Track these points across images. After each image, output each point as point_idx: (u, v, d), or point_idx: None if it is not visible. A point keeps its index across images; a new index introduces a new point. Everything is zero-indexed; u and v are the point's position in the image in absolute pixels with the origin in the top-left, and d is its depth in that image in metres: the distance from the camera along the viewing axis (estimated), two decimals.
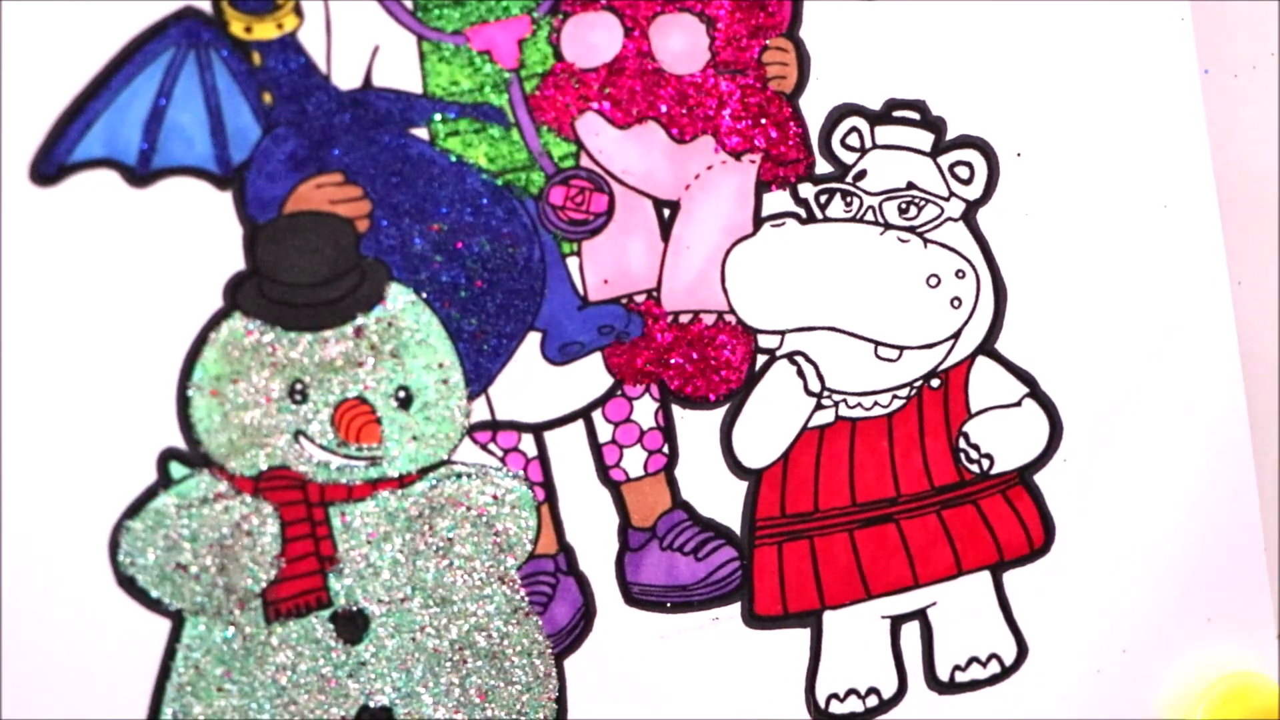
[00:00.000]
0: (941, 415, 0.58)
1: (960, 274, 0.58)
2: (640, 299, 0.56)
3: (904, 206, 0.58)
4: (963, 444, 0.58)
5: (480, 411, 0.55)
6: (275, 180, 0.53)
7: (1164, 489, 0.60)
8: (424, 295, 0.54)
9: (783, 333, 0.57)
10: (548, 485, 0.56)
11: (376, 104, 0.53)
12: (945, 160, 0.58)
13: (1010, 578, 0.59)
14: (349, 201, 0.53)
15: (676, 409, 0.57)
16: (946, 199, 0.58)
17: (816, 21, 0.56)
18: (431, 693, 0.55)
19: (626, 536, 0.57)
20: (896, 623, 0.59)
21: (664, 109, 0.56)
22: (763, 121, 0.56)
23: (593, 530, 0.56)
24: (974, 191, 0.58)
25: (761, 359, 0.57)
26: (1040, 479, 0.59)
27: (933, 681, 0.59)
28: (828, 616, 0.58)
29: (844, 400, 0.58)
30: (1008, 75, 0.58)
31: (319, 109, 0.53)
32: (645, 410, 0.56)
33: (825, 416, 0.58)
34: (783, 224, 0.57)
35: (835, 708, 0.58)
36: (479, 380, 0.55)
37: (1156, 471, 0.60)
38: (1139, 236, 0.59)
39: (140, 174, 0.52)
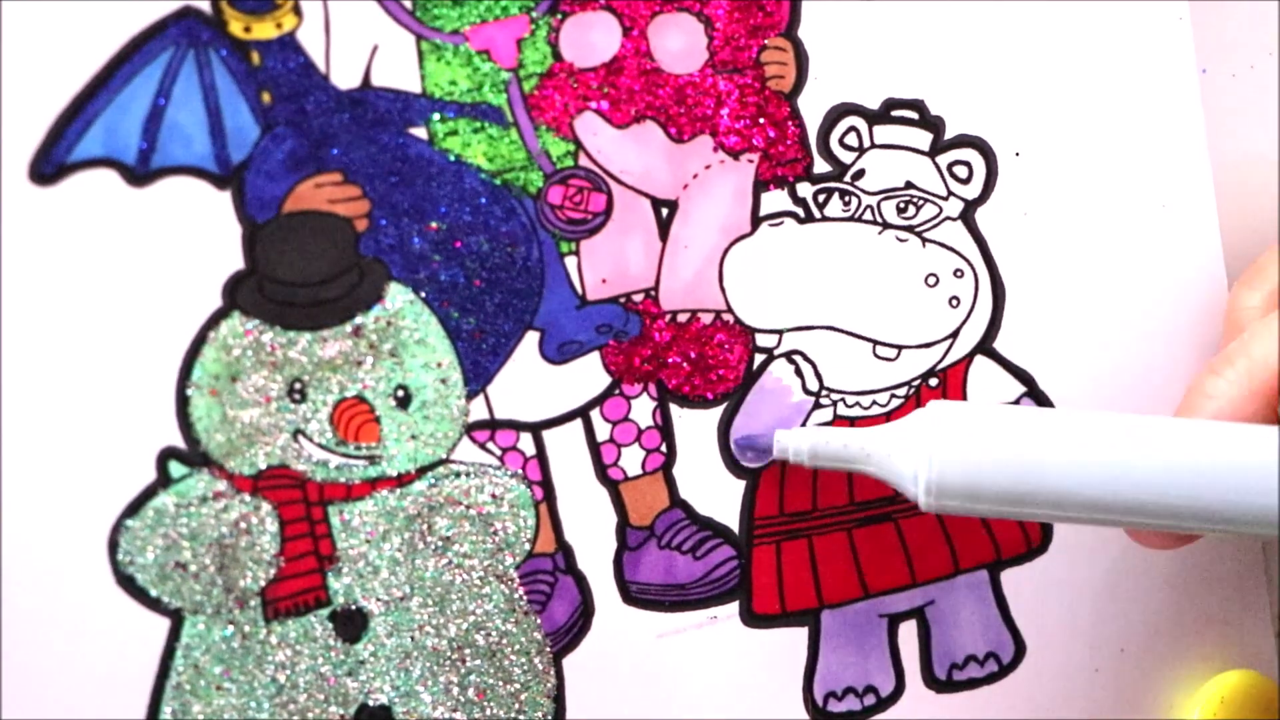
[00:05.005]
0: None
1: (959, 273, 0.58)
2: (638, 298, 0.56)
3: (902, 206, 0.58)
4: None
5: (479, 410, 0.55)
6: (274, 179, 0.53)
7: None
8: (423, 294, 0.54)
9: (781, 332, 0.57)
10: (546, 484, 0.56)
11: (375, 103, 0.53)
12: (944, 159, 0.58)
13: (1008, 576, 0.59)
14: (348, 201, 0.53)
15: (674, 408, 0.57)
16: (945, 198, 0.58)
17: (815, 21, 0.56)
18: (430, 691, 0.55)
19: (625, 535, 0.57)
20: (894, 621, 0.59)
21: (662, 108, 0.56)
22: (761, 121, 0.56)
23: (591, 529, 0.56)
24: (972, 191, 0.58)
25: (759, 358, 0.57)
26: None
27: (930, 680, 0.59)
28: (825, 615, 0.58)
29: (842, 399, 0.58)
30: (1006, 75, 0.58)
31: (318, 108, 0.53)
32: (643, 409, 0.56)
33: (823, 416, 0.58)
34: (781, 223, 0.57)
35: (833, 706, 0.58)
36: (478, 379, 0.55)
37: None
38: (1137, 236, 0.59)
39: (139, 173, 0.52)
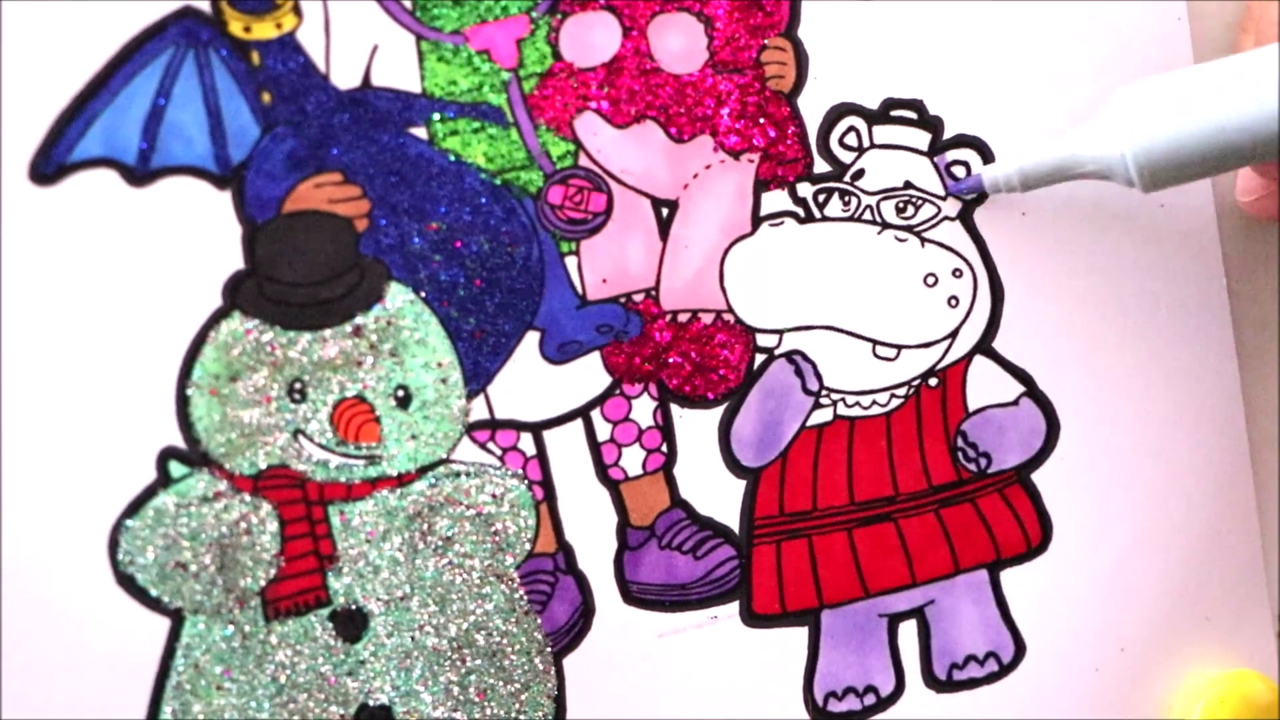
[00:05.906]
0: (939, 414, 0.58)
1: (957, 273, 0.58)
2: (639, 298, 0.56)
3: (901, 206, 0.58)
4: (960, 443, 0.59)
5: (479, 410, 0.55)
6: (274, 179, 0.53)
7: (1161, 487, 0.60)
8: (423, 294, 0.54)
9: (781, 331, 0.57)
10: (546, 484, 0.56)
11: (375, 103, 0.53)
12: (943, 159, 0.58)
13: (1008, 576, 0.59)
14: (348, 201, 0.53)
15: (675, 408, 0.57)
16: (944, 198, 0.58)
17: (815, 21, 0.56)
18: (430, 691, 0.55)
19: (625, 535, 0.57)
20: (894, 621, 0.59)
21: (663, 108, 0.56)
22: (761, 121, 0.56)
23: (591, 529, 0.56)
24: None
25: (760, 358, 0.57)
26: (1037, 478, 0.59)
27: (930, 680, 0.59)
28: (825, 615, 0.58)
29: (842, 399, 0.58)
30: (1005, 75, 0.58)
31: (318, 108, 0.53)
32: (644, 409, 0.56)
33: (823, 415, 0.58)
34: (781, 223, 0.57)
35: (833, 706, 0.58)
36: (478, 379, 0.55)
37: (1154, 470, 0.60)
38: (1136, 236, 0.59)
39: (140, 173, 0.52)
